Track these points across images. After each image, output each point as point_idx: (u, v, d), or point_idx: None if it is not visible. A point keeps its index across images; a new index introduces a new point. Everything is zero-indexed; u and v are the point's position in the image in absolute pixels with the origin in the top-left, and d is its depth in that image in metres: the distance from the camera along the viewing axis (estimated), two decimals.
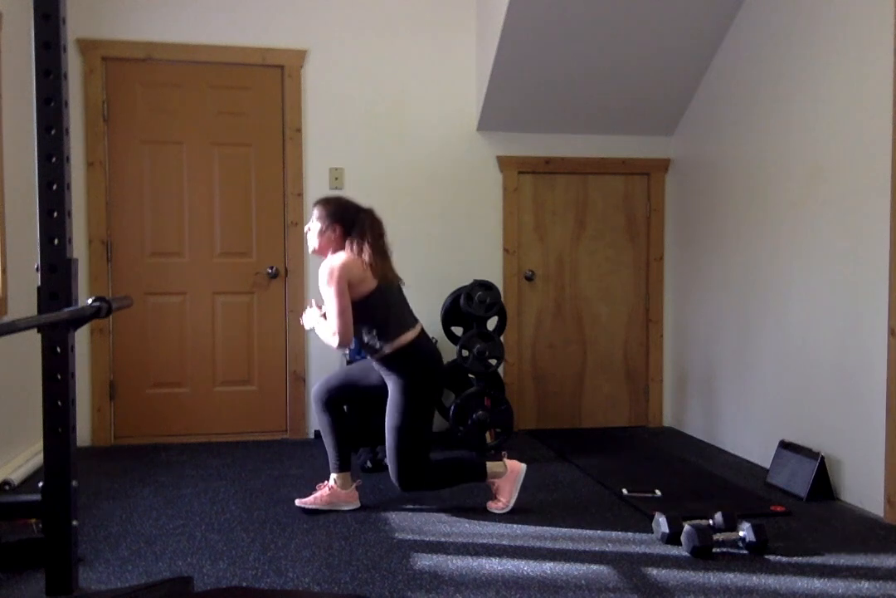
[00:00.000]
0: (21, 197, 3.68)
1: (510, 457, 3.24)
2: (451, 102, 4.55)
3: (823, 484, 3.29)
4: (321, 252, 3.06)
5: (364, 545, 2.75)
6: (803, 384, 3.54)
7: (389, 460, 3.03)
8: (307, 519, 3.02)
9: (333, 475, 3.16)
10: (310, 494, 3.20)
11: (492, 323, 4.25)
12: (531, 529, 2.93)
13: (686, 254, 4.63)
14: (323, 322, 3.04)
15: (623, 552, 2.70)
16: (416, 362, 3.02)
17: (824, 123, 3.40)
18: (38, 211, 1.90)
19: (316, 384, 3.26)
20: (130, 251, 4.31)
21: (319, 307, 3.12)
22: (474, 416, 3.94)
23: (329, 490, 3.14)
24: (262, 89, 4.40)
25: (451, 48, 4.55)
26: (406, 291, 3.18)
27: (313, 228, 3.06)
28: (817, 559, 2.63)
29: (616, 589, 2.38)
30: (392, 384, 3.02)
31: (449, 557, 2.64)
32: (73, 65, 4.12)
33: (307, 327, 3.14)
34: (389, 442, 3.01)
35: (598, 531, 2.90)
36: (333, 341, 2.93)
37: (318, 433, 4.44)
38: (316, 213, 3.06)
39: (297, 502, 3.14)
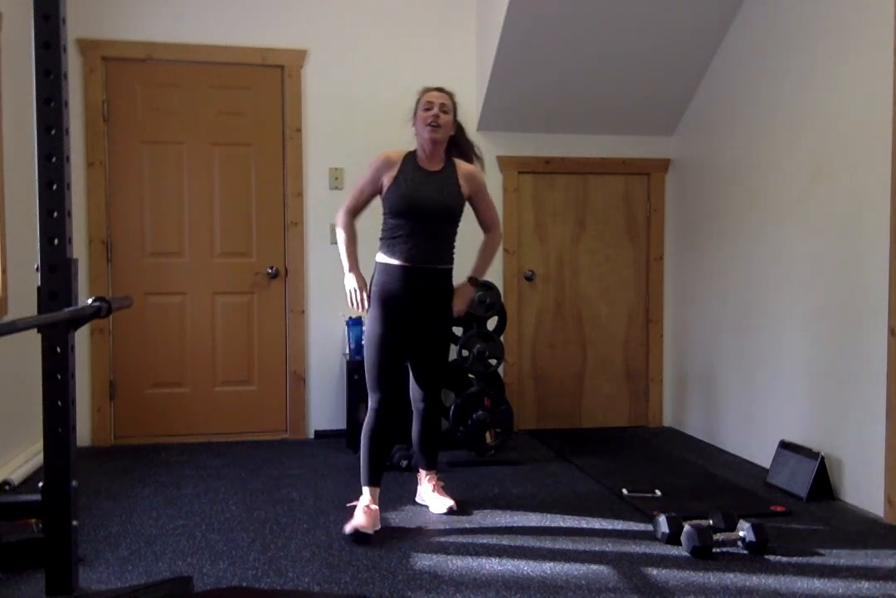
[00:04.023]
0: (21, 197, 3.68)
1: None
2: None
3: (823, 484, 3.29)
4: (444, 139, 3.00)
5: (364, 544, 2.75)
6: (803, 384, 3.55)
7: None
8: (307, 519, 3.02)
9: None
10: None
11: (492, 323, 4.25)
12: (531, 529, 2.93)
13: (686, 254, 4.64)
14: None
15: (623, 552, 2.70)
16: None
17: (824, 122, 3.40)
18: (38, 211, 1.90)
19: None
20: (130, 251, 4.31)
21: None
22: (474, 416, 3.94)
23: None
24: (262, 89, 4.40)
25: (451, 48, 4.55)
26: None
27: (449, 112, 2.98)
28: (817, 559, 2.63)
29: (616, 589, 2.38)
30: None
31: (449, 557, 2.64)
32: (73, 65, 4.11)
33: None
34: None
35: (599, 532, 2.90)
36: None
37: (318, 433, 4.45)
38: (451, 101, 3.01)
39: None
